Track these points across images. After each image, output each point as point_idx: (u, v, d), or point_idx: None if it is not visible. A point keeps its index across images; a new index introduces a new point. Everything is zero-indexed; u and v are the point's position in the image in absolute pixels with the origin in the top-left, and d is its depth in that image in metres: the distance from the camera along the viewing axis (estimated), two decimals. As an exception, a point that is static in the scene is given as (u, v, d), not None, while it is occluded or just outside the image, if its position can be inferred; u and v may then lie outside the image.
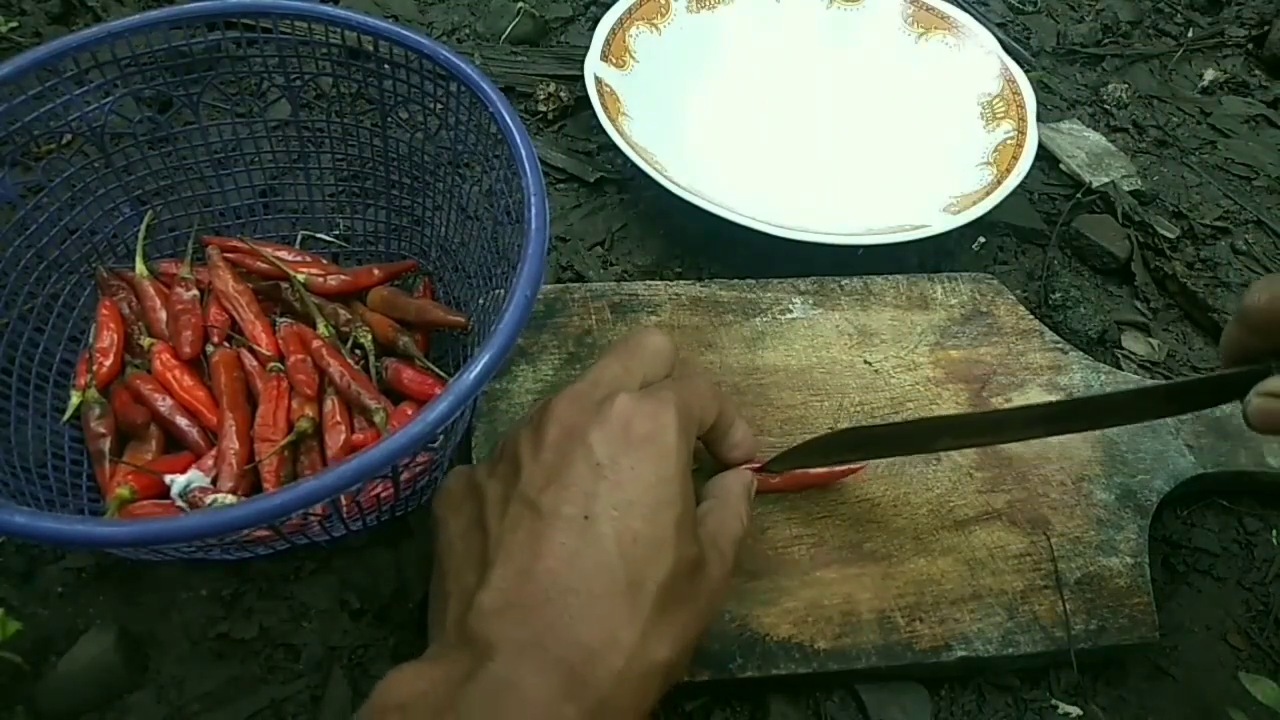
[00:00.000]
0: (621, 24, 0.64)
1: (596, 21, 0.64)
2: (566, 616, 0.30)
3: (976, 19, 0.69)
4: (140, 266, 0.47)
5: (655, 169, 0.54)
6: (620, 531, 0.31)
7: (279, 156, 0.50)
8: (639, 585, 0.31)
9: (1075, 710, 0.41)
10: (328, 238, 0.51)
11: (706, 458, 0.42)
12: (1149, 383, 0.51)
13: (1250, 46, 0.81)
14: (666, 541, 0.32)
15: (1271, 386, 0.33)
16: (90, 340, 0.44)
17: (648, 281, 0.52)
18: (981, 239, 0.61)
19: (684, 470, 0.34)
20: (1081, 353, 0.51)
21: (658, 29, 0.66)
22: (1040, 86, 0.73)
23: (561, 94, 0.65)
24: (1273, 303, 0.33)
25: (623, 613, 0.30)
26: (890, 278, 0.53)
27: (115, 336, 0.44)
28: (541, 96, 0.65)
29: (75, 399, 0.42)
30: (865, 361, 0.49)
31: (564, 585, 0.30)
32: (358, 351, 0.45)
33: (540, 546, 0.31)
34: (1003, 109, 0.63)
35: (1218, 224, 0.65)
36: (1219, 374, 0.36)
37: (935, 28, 0.68)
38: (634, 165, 0.54)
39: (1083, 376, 0.50)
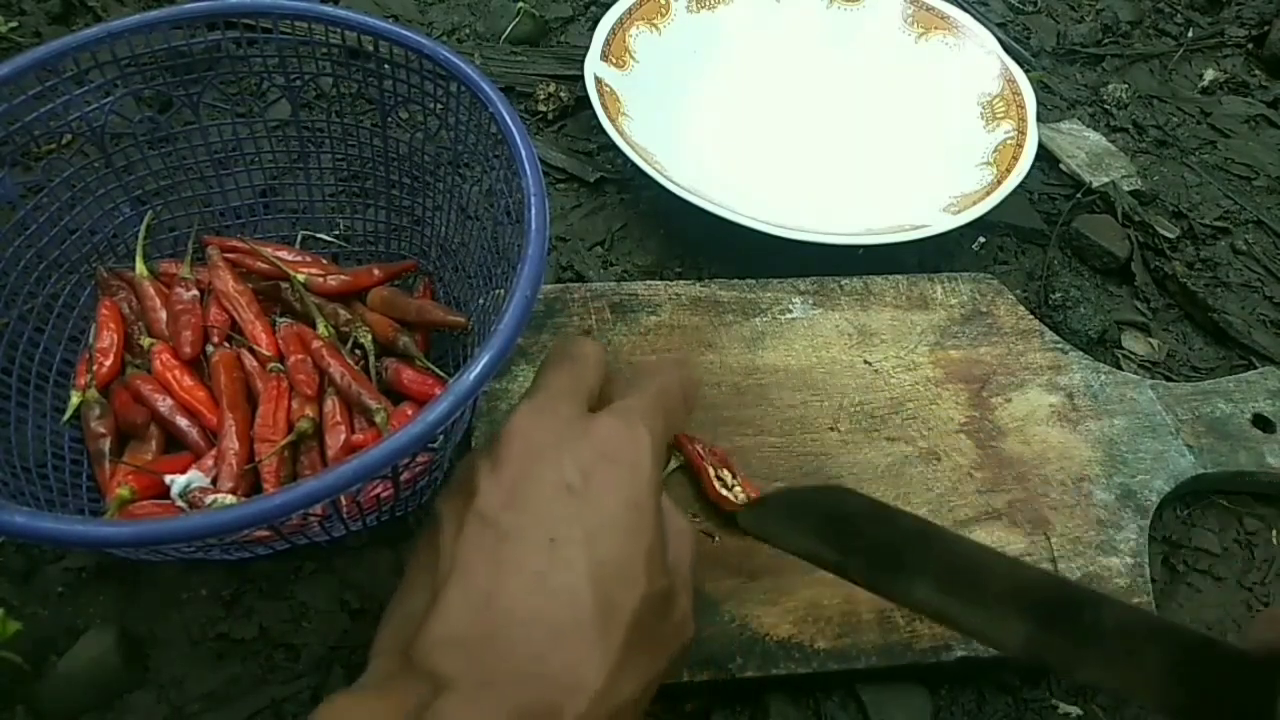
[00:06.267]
0: (621, 24, 0.64)
1: (596, 21, 0.64)
2: (527, 652, 0.27)
3: (976, 19, 0.69)
4: (140, 266, 0.46)
5: (655, 169, 0.54)
6: (590, 557, 0.29)
7: (279, 156, 0.50)
8: (608, 617, 0.28)
9: (1075, 710, 0.41)
10: (328, 238, 0.51)
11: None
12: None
13: (1250, 46, 0.81)
14: (638, 571, 0.30)
15: None
16: (90, 340, 0.44)
17: (648, 281, 0.52)
18: (981, 239, 0.61)
19: (657, 496, 0.32)
20: (1081, 353, 0.51)
21: (658, 29, 0.66)
22: (1040, 86, 0.73)
23: (561, 94, 0.65)
24: None
25: (589, 648, 0.28)
26: (890, 278, 0.53)
27: (115, 336, 0.44)
28: (541, 96, 0.65)
29: (75, 399, 0.42)
30: (865, 361, 0.49)
31: (525, 615, 0.28)
32: (358, 351, 0.45)
33: (500, 570, 0.28)
34: (1003, 109, 0.63)
35: (1218, 224, 0.65)
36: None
37: (935, 28, 0.68)
38: (634, 165, 0.54)
39: (1083, 376, 0.50)
